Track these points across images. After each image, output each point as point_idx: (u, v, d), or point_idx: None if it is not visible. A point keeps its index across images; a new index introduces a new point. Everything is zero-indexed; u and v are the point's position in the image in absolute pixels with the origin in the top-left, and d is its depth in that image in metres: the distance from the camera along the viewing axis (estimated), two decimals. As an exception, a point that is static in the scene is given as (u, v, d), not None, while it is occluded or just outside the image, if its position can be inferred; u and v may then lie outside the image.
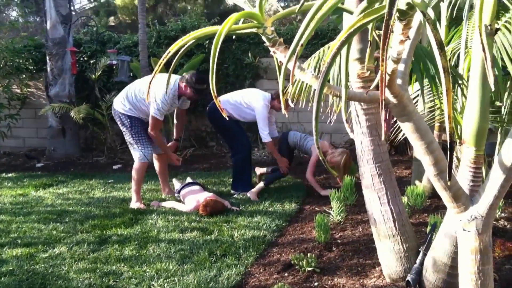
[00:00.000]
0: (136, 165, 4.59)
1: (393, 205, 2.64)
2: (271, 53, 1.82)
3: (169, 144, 4.96)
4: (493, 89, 1.47)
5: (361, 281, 2.79)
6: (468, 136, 2.02)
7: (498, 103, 3.46)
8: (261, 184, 4.90)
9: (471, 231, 1.93)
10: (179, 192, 4.75)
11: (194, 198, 4.41)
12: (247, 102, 4.94)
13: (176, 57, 1.81)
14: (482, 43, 1.36)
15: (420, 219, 3.77)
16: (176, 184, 5.06)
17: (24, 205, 4.83)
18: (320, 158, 1.74)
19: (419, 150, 1.91)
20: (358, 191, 4.00)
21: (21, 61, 8.00)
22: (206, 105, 5.38)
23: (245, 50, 7.61)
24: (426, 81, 2.97)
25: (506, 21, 3.08)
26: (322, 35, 7.14)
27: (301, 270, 2.92)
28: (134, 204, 4.56)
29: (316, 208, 4.31)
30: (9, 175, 6.59)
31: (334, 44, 1.47)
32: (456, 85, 3.17)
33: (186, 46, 1.79)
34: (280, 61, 1.79)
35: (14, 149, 8.51)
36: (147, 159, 4.59)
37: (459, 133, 3.37)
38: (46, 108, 7.36)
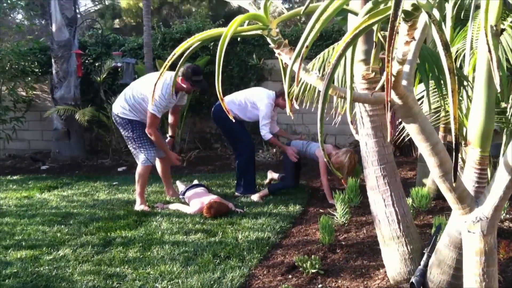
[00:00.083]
0: (139, 168, 4.60)
1: (397, 207, 2.63)
2: (276, 54, 1.81)
3: (166, 141, 4.93)
4: (498, 90, 1.47)
5: (365, 283, 2.79)
6: (473, 137, 2.01)
7: (503, 104, 3.44)
8: (266, 190, 4.89)
9: (476, 232, 1.92)
10: (183, 194, 4.75)
11: (198, 200, 4.42)
12: (251, 101, 4.94)
13: (182, 59, 1.81)
14: (488, 44, 1.35)
15: (424, 220, 3.76)
16: (180, 186, 5.07)
17: (29, 207, 4.84)
18: (325, 160, 1.73)
19: (424, 152, 1.90)
20: (363, 193, 3.99)
21: (26, 63, 8.02)
22: (210, 107, 5.38)
23: (249, 52, 7.61)
24: (431, 82, 2.96)
25: (511, 22, 3.07)
26: (327, 36, 7.14)
27: (305, 272, 2.92)
28: (139, 207, 4.57)
29: (321, 210, 4.31)
30: (14, 177, 6.61)
31: (339, 46, 1.47)
32: (462, 86, 3.16)
33: (191, 49, 1.78)
34: (285, 63, 1.78)
35: (19, 152, 8.53)
36: (151, 162, 4.60)
37: (464, 134, 3.36)
38: (51, 110, 7.38)
